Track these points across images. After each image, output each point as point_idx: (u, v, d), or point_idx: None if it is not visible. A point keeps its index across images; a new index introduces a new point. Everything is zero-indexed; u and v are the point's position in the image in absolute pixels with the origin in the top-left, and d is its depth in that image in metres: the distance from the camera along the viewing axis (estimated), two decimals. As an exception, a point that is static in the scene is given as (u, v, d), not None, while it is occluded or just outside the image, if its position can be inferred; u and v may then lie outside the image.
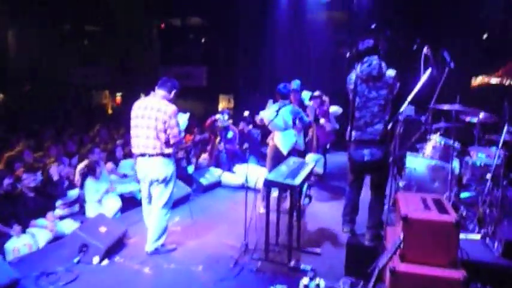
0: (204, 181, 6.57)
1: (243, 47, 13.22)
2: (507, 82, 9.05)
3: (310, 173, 4.13)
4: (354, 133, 3.58)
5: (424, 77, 3.96)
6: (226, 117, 7.26)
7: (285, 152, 4.95)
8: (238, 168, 7.04)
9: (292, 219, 3.78)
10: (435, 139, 4.82)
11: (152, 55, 15.65)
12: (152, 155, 3.82)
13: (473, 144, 5.13)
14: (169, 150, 3.86)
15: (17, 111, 13.79)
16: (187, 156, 7.15)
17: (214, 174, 6.93)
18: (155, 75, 16.14)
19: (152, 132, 3.78)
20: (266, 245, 3.94)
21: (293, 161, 4.25)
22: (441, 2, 9.33)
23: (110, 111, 17.67)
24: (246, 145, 7.35)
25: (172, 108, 3.83)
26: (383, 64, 3.57)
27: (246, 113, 7.36)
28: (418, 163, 4.79)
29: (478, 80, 9.38)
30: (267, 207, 3.89)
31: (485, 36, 9.30)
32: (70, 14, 14.94)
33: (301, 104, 5.94)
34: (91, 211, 5.31)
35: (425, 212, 2.47)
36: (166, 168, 3.89)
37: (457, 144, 4.57)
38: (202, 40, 15.34)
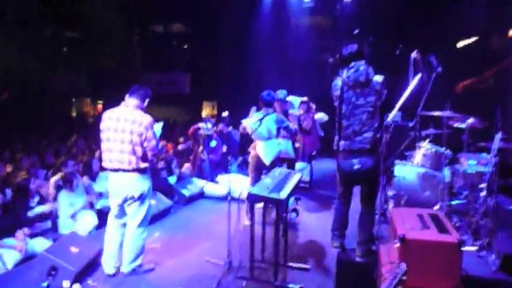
0: (186, 192, 6.29)
1: (227, 53, 13.04)
2: (489, 85, 9.03)
3: (297, 185, 3.91)
4: (342, 142, 3.38)
5: (414, 82, 3.82)
6: (209, 125, 7.02)
7: (267, 162, 4.72)
8: (222, 178, 6.79)
9: (278, 234, 3.56)
10: (425, 146, 4.67)
11: (134, 62, 15.33)
12: (127, 171, 3.52)
13: (462, 150, 5.02)
14: (145, 165, 3.58)
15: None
16: (168, 167, 6.86)
17: (197, 185, 6.65)
18: (137, 82, 15.80)
19: (127, 146, 3.48)
20: (251, 262, 3.69)
21: (278, 172, 4.02)
22: (424, 8, 9.29)
23: (90, 120, 17.23)
24: (224, 147, 7.14)
25: (148, 119, 3.55)
26: (370, 69, 3.40)
27: (225, 114, 7.13)
28: (407, 171, 4.63)
29: (462, 85, 9.35)
30: (252, 221, 3.65)
31: (460, 44, 9.18)
32: (49, 20, 14.53)
33: (286, 115, 5.74)
34: (64, 227, 4.98)
35: (423, 231, 2.26)
36: (142, 184, 3.61)
37: (447, 151, 4.43)
38: (185, 47, 15.11)
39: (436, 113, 4.23)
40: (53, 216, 5.13)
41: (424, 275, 2.14)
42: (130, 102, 3.59)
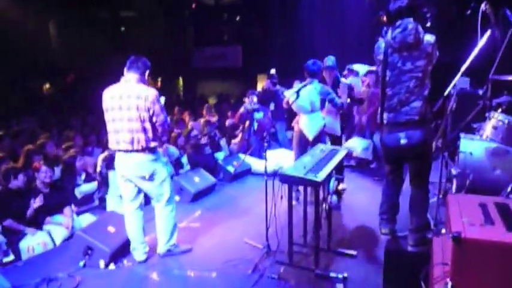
0: (231, 169, 6.10)
1: (278, 23, 12.50)
2: None
3: (341, 164, 3.51)
4: (386, 115, 2.90)
5: (482, 41, 3.20)
6: (255, 99, 6.72)
7: (310, 137, 4.33)
8: (270, 154, 6.49)
9: (318, 218, 3.22)
10: (496, 117, 3.99)
11: (186, 37, 15.32)
12: (136, 151, 3.31)
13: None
14: (154, 144, 3.36)
15: (62, 101, 14.07)
16: (212, 142, 6.70)
17: (243, 161, 6.44)
18: (190, 57, 15.86)
19: (136, 124, 3.26)
20: (290, 247, 3.41)
21: (320, 149, 3.64)
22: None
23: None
24: (272, 105, 6.80)
25: (154, 92, 3.29)
26: (420, 28, 2.81)
27: (273, 71, 6.70)
28: (474, 146, 4.00)
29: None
30: (289, 202, 3.35)
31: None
32: (105, 1, 14.88)
33: (337, 83, 5.23)
34: (111, 205, 5.03)
35: (486, 228, 1.77)
36: (153, 164, 3.38)
37: (525, 123, 3.74)
38: (237, 19, 14.75)
39: (511, 78, 3.54)
40: (100, 193, 5.21)
41: (485, 284, 1.67)
42: (130, 77, 3.33)
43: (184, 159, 6.27)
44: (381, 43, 2.94)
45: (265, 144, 3.70)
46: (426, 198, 3.00)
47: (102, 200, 5.17)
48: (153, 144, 3.34)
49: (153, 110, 3.26)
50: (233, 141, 7.50)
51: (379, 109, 2.91)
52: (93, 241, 3.48)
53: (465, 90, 5.42)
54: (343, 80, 5.15)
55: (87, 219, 4.63)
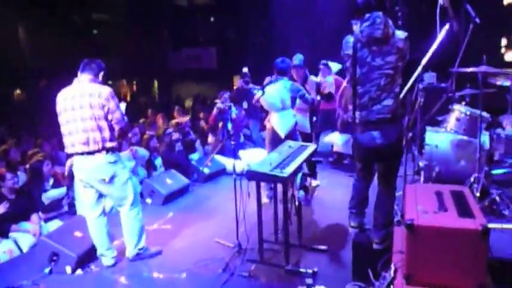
0: (205, 169, 6.06)
1: (253, 24, 12.51)
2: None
3: (313, 161, 3.51)
4: (357, 113, 2.85)
5: (441, 35, 3.26)
6: (227, 95, 6.69)
7: (282, 134, 4.33)
8: (244, 153, 6.48)
9: (286, 214, 3.22)
10: (459, 109, 4.08)
11: (161, 39, 15.17)
12: (93, 152, 3.19)
13: (506, 112, 4.40)
14: (112, 144, 3.26)
15: (33, 107, 13.69)
16: (185, 139, 6.64)
17: (217, 161, 6.40)
18: (165, 59, 15.70)
19: (90, 123, 3.15)
20: (260, 244, 3.40)
21: (288, 145, 3.65)
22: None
23: (128, 99, 17.38)
24: (245, 104, 6.77)
25: (108, 89, 3.20)
26: (390, 23, 2.75)
27: (245, 69, 6.65)
28: (439, 139, 4.09)
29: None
30: (258, 200, 3.34)
31: (506, 1, 8.17)
32: (77, 4, 14.60)
33: (305, 82, 5.25)
34: (81, 210, 4.91)
35: (438, 215, 1.79)
36: (112, 166, 3.28)
37: (485, 114, 3.83)
38: (211, 20, 14.70)
39: (470, 70, 3.62)
40: (69, 199, 5.08)
41: (439, 269, 1.68)
42: (83, 78, 3.25)
43: (158, 161, 6.20)
44: (349, 38, 2.88)
45: (233, 142, 3.67)
46: (393, 193, 3.01)
47: (72, 206, 5.04)
48: (110, 144, 3.23)
49: (107, 107, 3.17)
50: (208, 141, 7.46)
51: (350, 107, 2.89)
52: (58, 247, 3.38)
53: (432, 85, 5.54)
54: (311, 77, 5.18)
55: (55, 225, 4.50)
